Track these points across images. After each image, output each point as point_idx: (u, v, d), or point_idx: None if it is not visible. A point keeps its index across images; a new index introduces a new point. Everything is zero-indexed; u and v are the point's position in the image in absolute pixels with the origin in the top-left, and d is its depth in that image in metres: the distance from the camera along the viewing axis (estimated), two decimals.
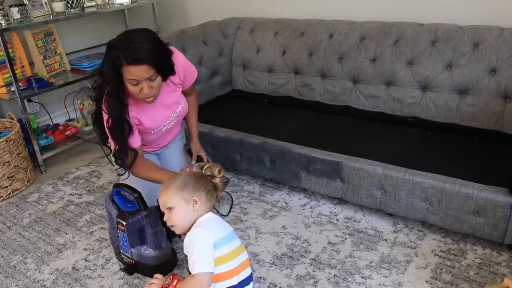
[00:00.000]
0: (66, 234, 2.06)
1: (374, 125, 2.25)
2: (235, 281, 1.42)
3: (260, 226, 1.99)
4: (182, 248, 1.87)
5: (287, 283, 1.65)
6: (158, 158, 1.97)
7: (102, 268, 1.81)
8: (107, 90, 1.65)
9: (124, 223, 1.63)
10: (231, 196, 2.21)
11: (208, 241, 1.38)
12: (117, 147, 1.68)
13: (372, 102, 2.29)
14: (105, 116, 1.68)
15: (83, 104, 3.15)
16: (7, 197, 2.41)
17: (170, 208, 1.46)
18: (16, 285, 1.76)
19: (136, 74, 1.54)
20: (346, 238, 1.87)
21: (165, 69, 1.64)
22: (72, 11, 2.75)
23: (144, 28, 1.68)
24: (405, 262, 1.72)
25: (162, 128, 1.82)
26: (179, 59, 1.76)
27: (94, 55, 3.17)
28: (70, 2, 2.72)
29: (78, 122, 3.13)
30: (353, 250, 1.80)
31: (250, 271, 1.50)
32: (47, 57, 2.87)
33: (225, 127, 2.29)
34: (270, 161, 2.14)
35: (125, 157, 1.68)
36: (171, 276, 1.47)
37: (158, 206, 1.71)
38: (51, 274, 1.80)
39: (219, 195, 1.55)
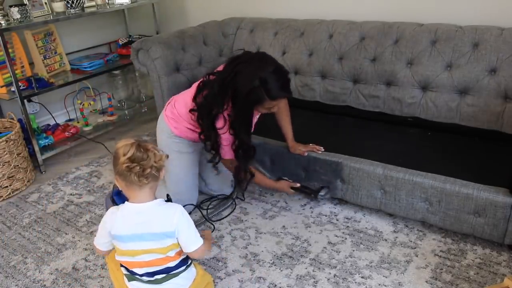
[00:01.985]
0: (66, 234, 2.06)
1: (374, 125, 2.25)
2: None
3: (260, 226, 1.99)
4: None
5: (287, 283, 1.65)
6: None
7: (102, 268, 1.81)
8: (234, 115, 1.71)
9: None
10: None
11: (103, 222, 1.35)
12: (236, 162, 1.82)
13: (372, 102, 2.29)
14: (228, 137, 1.76)
15: (83, 104, 3.15)
16: (7, 197, 2.41)
17: None
18: (16, 285, 1.76)
19: (276, 104, 1.69)
20: (346, 238, 1.87)
21: None
22: (72, 11, 2.75)
23: (262, 54, 1.73)
24: (405, 262, 1.72)
25: None
26: None
27: (94, 55, 3.18)
28: (70, 2, 2.72)
29: (78, 122, 3.13)
30: (353, 250, 1.80)
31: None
32: (47, 57, 2.87)
33: None
34: (270, 161, 2.14)
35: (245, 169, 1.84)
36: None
37: None
38: (51, 274, 1.80)
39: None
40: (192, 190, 2.07)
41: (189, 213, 2.02)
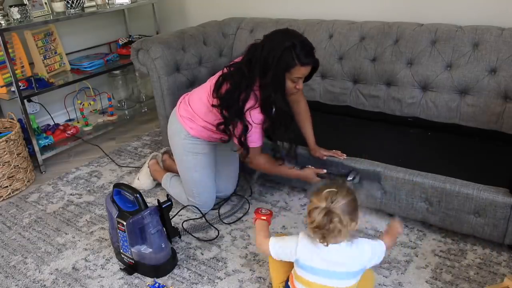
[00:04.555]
0: (66, 234, 2.06)
1: (374, 125, 2.25)
2: None
3: None
4: (182, 248, 1.88)
5: None
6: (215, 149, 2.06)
7: (102, 268, 1.81)
8: (267, 87, 1.67)
9: (124, 223, 1.63)
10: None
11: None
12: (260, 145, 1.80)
13: (372, 102, 2.29)
14: (259, 116, 1.72)
15: (83, 104, 3.15)
16: (7, 197, 2.41)
17: None
18: (16, 285, 1.76)
19: (303, 73, 1.69)
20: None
21: None
22: (72, 11, 2.75)
23: (285, 29, 1.75)
24: (405, 262, 1.72)
25: None
26: None
27: (94, 55, 3.18)
28: (70, 2, 2.72)
29: (78, 122, 3.13)
30: None
31: None
32: (47, 57, 2.86)
33: None
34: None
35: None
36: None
37: (158, 206, 1.72)
38: (51, 274, 1.80)
39: None
40: (211, 191, 2.05)
41: (205, 213, 2.04)
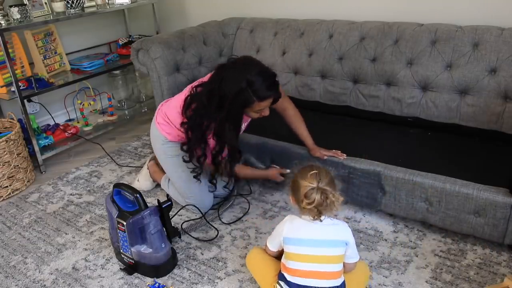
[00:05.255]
0: (66, 234, 2.06)
1: (374, 125, 2.25)
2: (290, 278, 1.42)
3: (260, 226, 1.99)
4: (182, 248, 1.88)
5: None
6: None
7: (102, 268, 1.81)
8: (221, 121, 1.69)
9: (124, 223, 1.64)
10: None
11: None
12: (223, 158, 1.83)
13: (372, 102, 2.29)
14: (214, 142, 1.77)
15: (83, 104, 3.15)
16: (7, 197, 2.41)
17: None
18: (16, 285, 1.76)
19: (265, 105, 1.69)
20: None
21: None
22: (72, 11, 2.75)
23: (246, 58, 1.74)
24: (405, 262, 1.72)
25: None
26: None
27: (94, 55, 3.18)
28: (70, 2, 2.72)
29: (78, 122, 3.13)
30: None
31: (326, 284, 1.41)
32: (47, 57, 2.86)
33: None
34: (271, 160, 2.14)
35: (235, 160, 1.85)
36: None
37: (158, 206, 1.72)
38: (51, 274, 1.80)
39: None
40: (203, 189, 2.05)
41: (205, 213, 2.04)
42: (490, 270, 1.65)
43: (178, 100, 1.92)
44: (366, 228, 1.93)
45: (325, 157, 1.95)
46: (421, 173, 1.77)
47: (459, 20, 2.15)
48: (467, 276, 1.63)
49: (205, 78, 1.82)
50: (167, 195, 1.89)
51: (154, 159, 2.38)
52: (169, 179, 2.18)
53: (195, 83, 1.84)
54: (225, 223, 2.03)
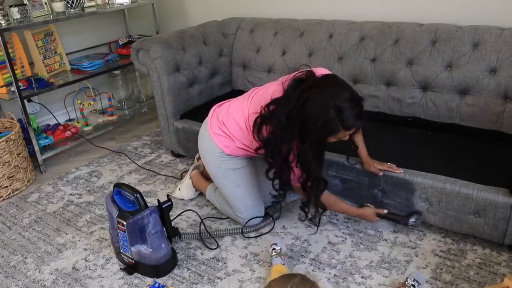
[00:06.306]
0: (66, 234, 2.06)
1: (374, 125, 2.23)
2: None
3: None
4: (182, 248, 1.88)
5: None
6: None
7: (102, 268, 1.81)
8: (304, 150, 1.55)
9: (125, 223, 1.64)
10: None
11: None
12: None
13: (372, 102, 2.29)
14: (296, 171, 1.65)
15: (83, 104, 3.15)
16: (7, 197, 2.41)
17: None
18: (16, 285, 1.76)
19: (348, 134, 1.54)
20: (346, 238, 1.87)
21: None
22: (72, 11, 2.75)
23: (333, 79, 1.56)
24: (405, 262, 1.72)
25: None
26: None
27: (94, 55, 3.18)
28: (70, 2, 2.72)
29: (78, 122, 3.13)
30: (353, 250, 1.80)
31: None
32: (47, 57, 2.87)
33: None
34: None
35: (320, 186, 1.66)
36: None
37: (158, 206, 1.72)
38: (51, 274, 1.80)
39: None
40: (259, 201, 1.96)
41: (257, 225, 1.94)
42: (490, 270, 1.65)
43: (237, 113, 1.78)
44: (366, 228, 1.93)
45: (381, 173, 1.82)
46: (421, 173, 1.77)
47: (459, 20, 2.15)
48: (467, 276, 1.63)
49: (271, 91, 1.65)
50: (167, 195, 1.89)
51: (197, 168, 2.28)
52: (214, 191, 2.09)
53: (262, 95, 1.69)
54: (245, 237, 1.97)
